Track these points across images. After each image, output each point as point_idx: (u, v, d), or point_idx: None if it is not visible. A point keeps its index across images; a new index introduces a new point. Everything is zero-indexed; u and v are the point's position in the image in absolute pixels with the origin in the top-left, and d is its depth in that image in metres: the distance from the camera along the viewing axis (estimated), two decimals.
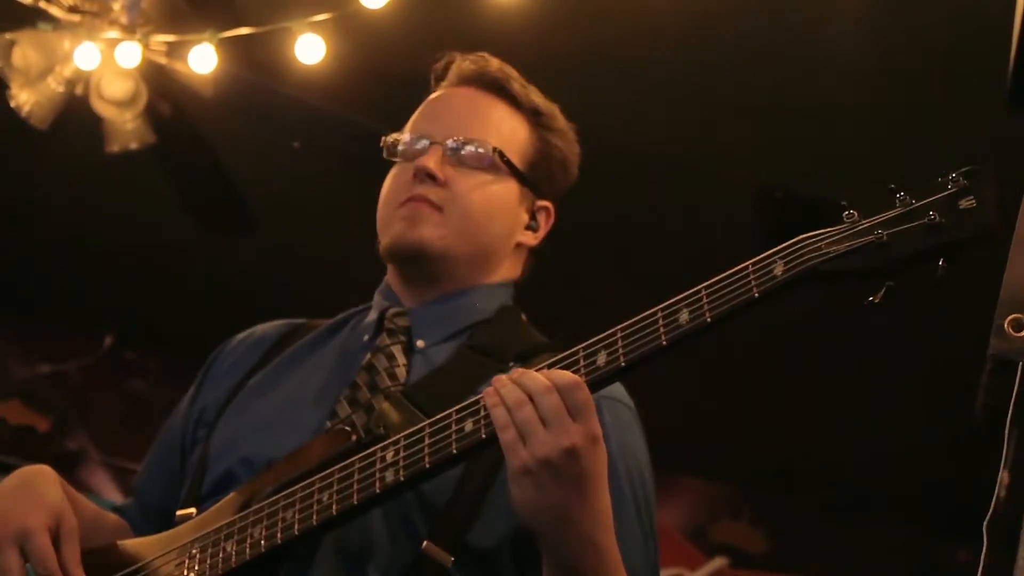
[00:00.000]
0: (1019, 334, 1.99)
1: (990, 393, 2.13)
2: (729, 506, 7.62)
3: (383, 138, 2.50)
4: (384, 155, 2.49)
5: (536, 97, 2.51)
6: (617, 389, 2.31)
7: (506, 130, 2.46)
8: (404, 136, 2.48)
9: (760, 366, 6.54)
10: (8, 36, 4.67)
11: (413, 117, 2.53)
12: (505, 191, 2.44)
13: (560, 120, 2.53)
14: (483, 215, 2.41)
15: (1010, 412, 2.05)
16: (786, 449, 7.08)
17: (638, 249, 5.74)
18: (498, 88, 2.49)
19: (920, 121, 4.86)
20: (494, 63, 2.52)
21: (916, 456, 6.86)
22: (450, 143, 2.41)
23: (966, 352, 2.16)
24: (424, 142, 2.43)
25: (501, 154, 2.42)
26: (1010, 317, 1.99)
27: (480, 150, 2.41)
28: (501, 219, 2.44)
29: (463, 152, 2.41)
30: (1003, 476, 1.99)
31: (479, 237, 2.41)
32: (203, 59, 4.77)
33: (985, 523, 2.04)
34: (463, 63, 2.53)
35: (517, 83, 2.50)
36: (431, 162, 2.38)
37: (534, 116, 2.50)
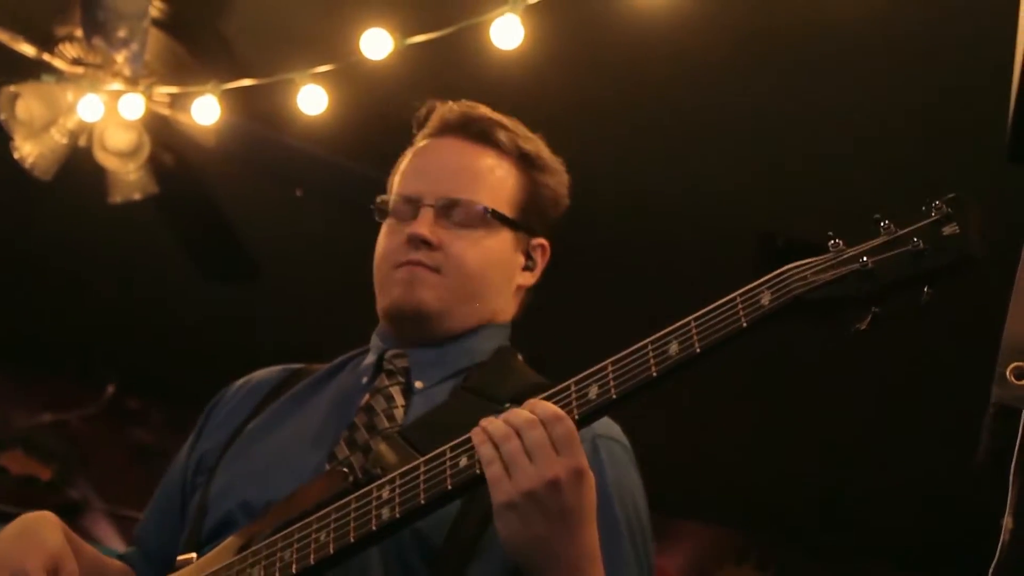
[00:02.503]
0: (1021, 382, 2.00)
1: (993, 439, 2.14)
2: (733, 551, 7.60)
3: (376, 200, 2.51)
4: (376, 218, 2.50)
5: (522, 140, 2.50)
6: (612, 428, 2.32)
7: (495, 181, 2.46)
8: (393, 196, 2.48)
9: (766, 411, 6.55)
10: (12, 88, 4.69)
11: (401, 170, 2.53)
12: (499, 244, 2.45)
13: (546, 157, 2.53)
14: (480, 272, 2.42)
15: (1014, 459, 2.06)
16: (790, 494, 7.08)
17: (634, 290, 5.76)
18: (484, 137, 2.48)
19: (918, 170, 4.89)
20: (478, 110, 2.52)
21: (922, 502, 6.85)
22: (441, 204, 2.41)
23: (972, 400, 2.16)
24: (415, 203, 2.43)
25: (491, 211, 2.42)
26: (1012, 365, 2.00)
27: (471, 210, 2.41)
28: (497, 272, 2.45)
29: (453, 212, 2.41)
30: (1007, 522, 2.00)
31: (477, 294, 2.42)
32: (206, 110, 4.80)
33: (991, 570, 2.04)
34: (446, 112, 2.53)
35: (502, 129, 2.49)
36: (423, 228, 2.39)
37: (522, 160, 2.49)
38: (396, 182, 2.52)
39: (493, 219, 2.42)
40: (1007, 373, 2.01)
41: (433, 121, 2.54)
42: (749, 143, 5.18)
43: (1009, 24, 2.07)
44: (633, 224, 5.61)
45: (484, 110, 2.52)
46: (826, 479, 6.95)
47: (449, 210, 2.41)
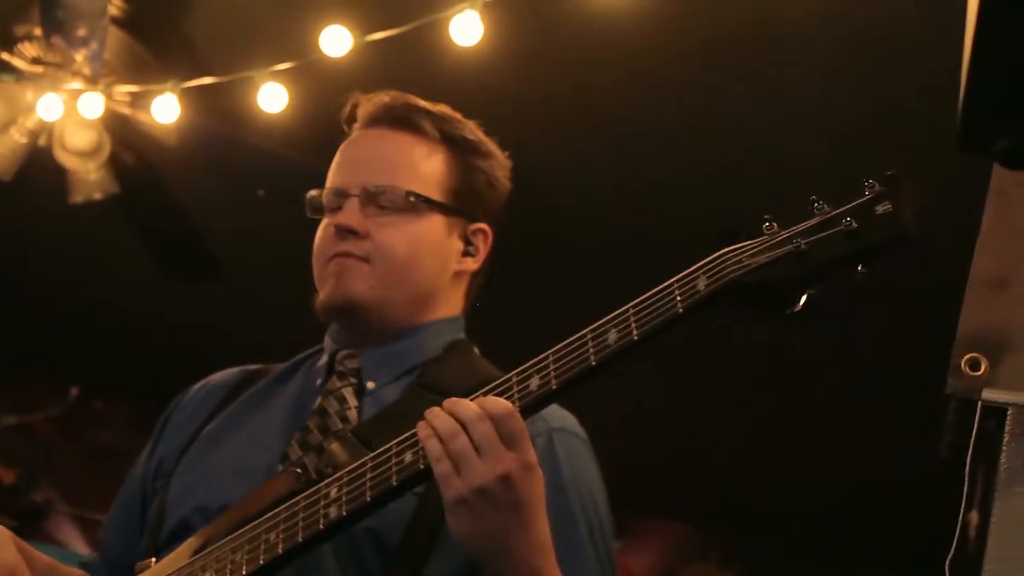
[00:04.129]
0: (975, 373, 2.02)
1: (954, 432, 2.15)
2: (698, 549, 7.61)
3: (307, 196, 2.50)
4: (308, 214, 2.50)
5: (448, 125, 2.49)
6: (568, 420, 2.33)
7: (419, 166, 2.44)
8: (325, 190, 2.48)
9: (729, 406, 6.56)
10: None
11: (331, 167, 2.52)
12: (429, 228, 2.43)
13: (475, 140, 2.51)
14: (409, 258, 2.40)
15: (970, 451, 2.07)
16: (754, 491, 7.10)
17: (593, 285, 5.77)
18: (406, 123, 2.46)
19: (872, 162, 4.90)
20: (400, 98, 2.50)
21: (883, 497, 6.88)
22: (365, 193, 2.40)
23: (935, 392, 2.18)
24: (341, 194, 2.43)
25: (415, 194, 2.41)
26: (966, 356, 2.02)
27: (395, 195, 2.40)
28: (430, 257, 2.43)
29: (379, 199, 2.40)
30: (972, 516, 2.01)
31: (410, 280, 2.41)
32: (166, 109, 4.79)
33: (948, 561, 2.06)
34: (367, 104, 2.52)
35: (424, 114, 2.48)
36: (349, 218, 2.39)
37: (449, 142, 2.48)
38: (328, 178, 2.52)
39: (419, 202, 2.40)
40: (962, 364, 2.03)
41: (359, 114, 2.53)
42: (708, 138, 5.19)
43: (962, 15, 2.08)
44: (591, 219, 5.62)
45: (408, 98, 2.51)
46: (791, 475, 6.97)
47: (374, 197, 2.40)
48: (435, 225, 2.43)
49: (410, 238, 2.40)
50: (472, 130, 2.52)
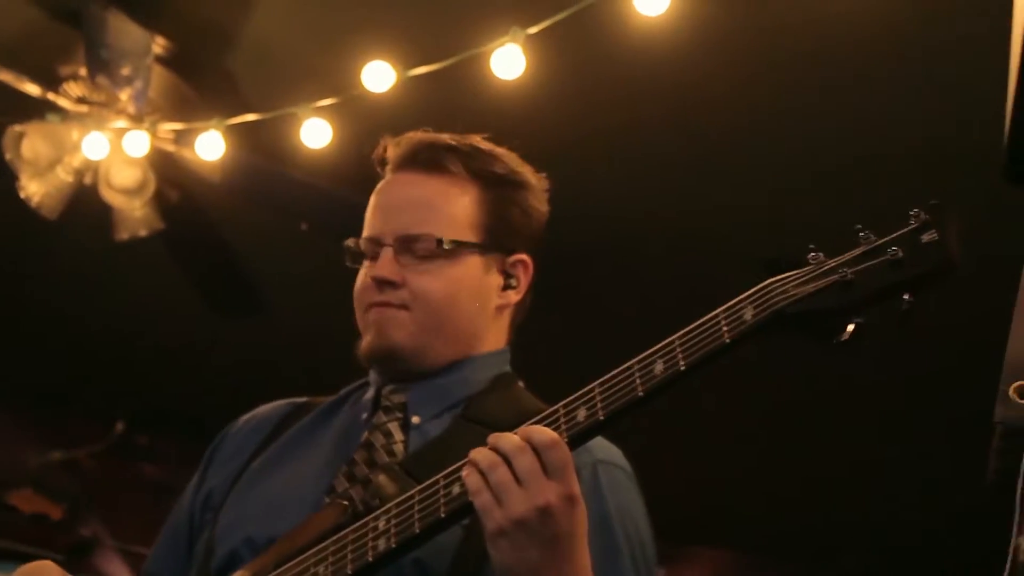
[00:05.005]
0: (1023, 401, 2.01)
1: (1000, 459, 2.14)
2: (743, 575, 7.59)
3: (346, 244, 2.50)
4: (348, 263, 2.50)
5: (475, 161, 2.46)
6: (613, 452, 2.32)
7: (451, 207, 2.42)
8: (362, 239, 2.47)
9: (773, 436, 6.54)
10: (17, 128, 4.72)
11: (367, 212, 2.51)
12: (466, 270, 2.42)
13: (506, 172, 2.48)
14: (447, 303, 2.39)
15: (1021, 478, 2.06)
16: (798, 517, 7.07)
17: (636, 319, 5.77)
18: (433, 165, 2.44)
19: (917, 192, 4.89)
20: (426, 139, 2.49)
21: (929, 523, 6.84)
22: (398, 241, 2.40)
23: (982, 419, 2.17)
24: (376, 243, 2.43)
25: (450, 241, 2.39)
26: (1015, 384, 2.01)
27: (427, 242, 2.39)
28: (468, 298, 2.42)
29: (413, 247, 2.39)
30: (1020, 541, 2.00)
31: (450, 324, 2.40)
32: (210, 146, 4.82)
33: None
34: (396, 147, 2.51)
35: (451, 152, 2.45)
36: (384, 269, 2.38)
37: (479, 179, 2.45)
38: (365, 224, 2.51)
39: (453, 246, 2.40)
40: (1010, 392, 2.01)
41: (388, 157, 2.52)
42: (750, 171, 5.20)
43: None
44: (633, 253, 5.62)
45: (435, 138, 2.49)
46: (838, 504, 6.94)
47: (408, 245, 2.39)
48: (471, 266, 2.42)
49: (447, 283, 2.39)
50: (503, 162, 2.49)
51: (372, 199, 2.51)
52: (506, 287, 2.47)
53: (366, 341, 2.41)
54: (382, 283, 2.38)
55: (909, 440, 6.39)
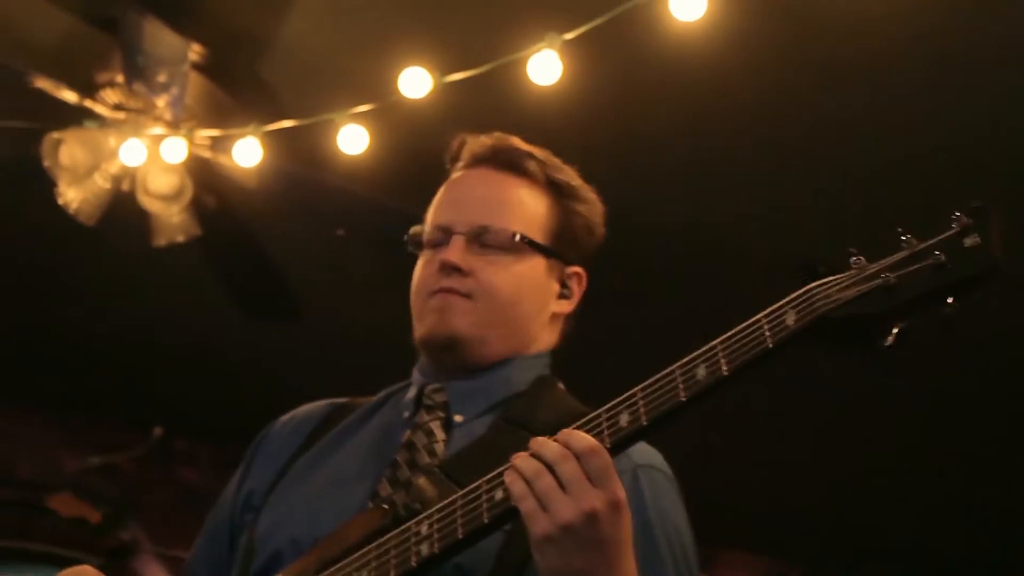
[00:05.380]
0: None
1: None
2: None
3: (410, 232, 2.53)
4: (409, 249, 2.52)
5: (551, 169, 2.52)
6: (654, 457, 2.32)
7: (524, 208, 2.47)
8: (428, 227, 2.50)
9: (810, 439, 6.52)
10: (55, 135, 4.74)
11: (434, 204, 2.55)
12: (531, 270, 2.45)
13: (577, 185, 2.54)
14: (512, 298, 2.43)
15: None
16: (836, 522, 7.04)
17: (675, 321, 5.76)
18: (513, 166, 2.50)
19: (953, 196, 4.87)
20: (507, 141, 2.54)
21: (972, 529, 6.81)
22: (471, 231, 2.43)
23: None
24: (446, 231, 2.45)
25: (523, 236, 2.44)
26: None
27: (501, 235, 2.43)
28: (530, 298, 2.46)
29: (484, 239, 2.43)
30: None
31: (510, 319, 2.43)
32: (247, 152, 4.82)
33: None
34: (476, 144, 2.55)
35: (531, 158, 2.51)
36: (454, 255, 2.41)
37: (552, 188, 2.51)
38: (430, 214, 2.54)
39: (523, 244, 2.43)
40: None
41: (464, 154, 2.56)
42: (790, 173, 5.18)
43: None
44: (671, 257, 5.61)
45: (514, 141, 2.55)
46: (875, 507, 6.91)
47: (480, 237, 2.43)
48: (536, 267, 2.46)
49: (513, 278, 2.42)
50: (573, 175, 2.55)
51: (443, 192, 2.55)
52: (561, 296, 2.51)
53: (425, 327, 2.43)
54: (451, 269, 2.40)
55: (954, 449, 6.36)
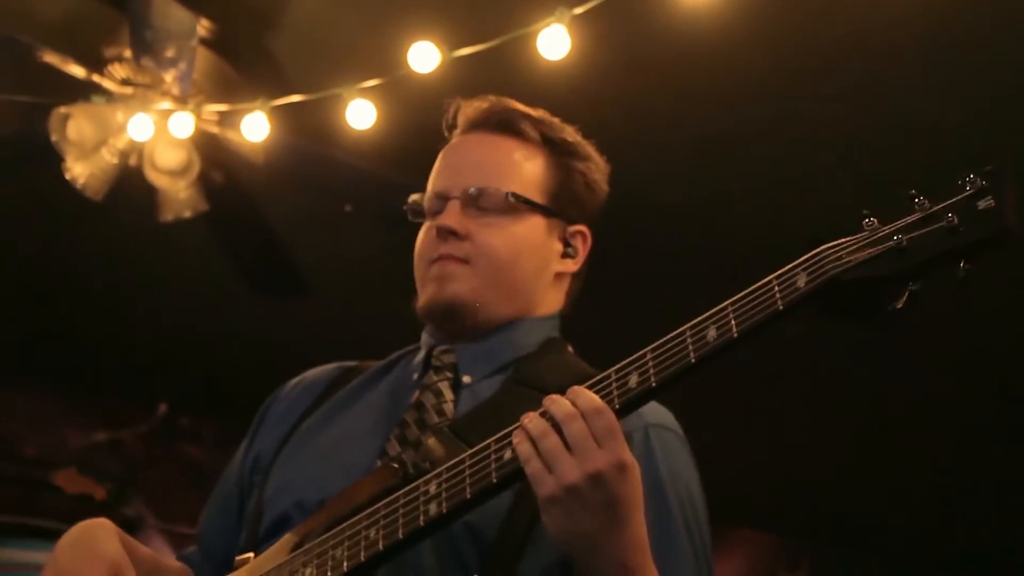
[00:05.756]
0: None
1: None
2: (786, 559, 7.57)
3: (409, 201, 2.54)
4: (410, 218, 2.53)
5: (547, 128, 2.52)
6: (665, 416, 2.32)
7: (519, 168, 2.47)
8: (426, 195, 2.51)
9: (819, 419, 6.52)
10: (63, 110, 4.73)
11: (432, 172, 2.55)
12: (530, 229, 2.45)
13: (575, 142, 2.54)
14: (511, 259, 2.42)
15: None
16: (844, 502, 7.05)
17: (682, 293, 5.77)
18: (506, 126, 2.50)
19: (951, 168, 4.88)
20: (499, 103, 2.54)
21: (978, 511, 6.81)
22: (466, 195, 2.43)
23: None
24: (443, 197, 2.46)
25: (516, 195, 2.43)
26: None
27: (495, 196, 2.42)
28: (530, 258, 2.46)
29: (480, 201, 2.43)
30: None
31: (511, 280, 2.43)
32: (255, 127, 4.82)
33: None
34: (468, 109, 2.56)
35: (524, 118, 2.51)
36: (450, 219, 2.41)
37: (549, 145, 2.50)
38: (429, 183, 2.55)
39: (519, 204, 2.43)
40: None
41: (459, 119, 2.57)
42: (799, 149, 5.17)
43: None
44: (681, 231, 5.60)
45: (509, 103, 2.55)
46: (880, 487, 6.91)
47: (475, 200, 2.43)
48: (535, 226, 2.46)
49: (510, 239, 2.42)
50: (571, 133, 2.54)
51: (440, 158, 2.56)
52: (565, 255, 2.51)
53: (426, 295, 2.43)
54: (446, 233, 2.41)
55: (959, 423, 6.36)
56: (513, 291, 2.43)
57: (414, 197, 2.53)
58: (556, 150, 2.51)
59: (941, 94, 4.83)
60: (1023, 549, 6.98)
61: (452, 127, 2.58)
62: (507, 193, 2.42)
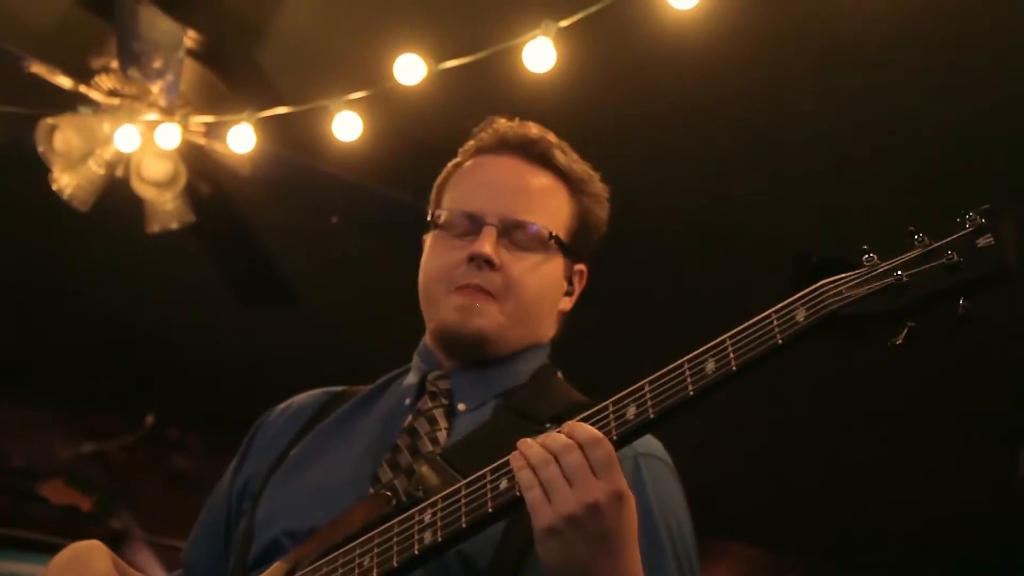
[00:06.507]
0: None
1: None
2: (776, 572, 7.57)
3: (431, 213, 2.49)
4: (431, 229, 2.48)
5: (575, 163, 2.50)
6: (654, 446, 2.31)
7: (553, 205, 2.45)
8: (451, 210, 2.46)
9: (806, 430, 6.52)
10: (50, 120, 4.72)
11: (456, 186, 2.50)
12: (554, 269, 2.44)
13: (596, 184, 2.52)
14: (536, 298, 2.41)
15: None
16: (834, 513, 7.05)
17: (672, 305, 5.77)
18: (544, 159, 2.47)
19: (956, 182, 4.89)
20: (535, 129, 2.51)
21: (965, 521, 6.82)
22: (504, 224, 2.40)
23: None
24: (475, 220, 2.41)
25: (555, 236, 2.41)
26: None
27: (535, 233, 2.40)
28: (549, 297, 2.45)
29: (516, 235, 2.40)
30: None
31: (531, 318, 2.42)
32: (242, 139, 4.81)
33: None
34: (505, 129, 2.51)
35: (559, 151, 2.48)
36: (488, 247, 2.37)
37: (575, 184, 2.49)
38: (449, 196, 2.50)
39: (553, 244, 2.42)
40: None
41: (490, 137, 2.51)
42: (783, 159, 5.18)
43: None
44: (667, 242, 5.61)
45: (540, 130, 2.51)
46: (868, 500, 6.92)
47: (511, 231, 2.40)
48: (557, 266, 2.45)
49: (539, 278, 2.41)
50: (587, 167, 2.52)
51: (470, 173, 2.51)
52: (566, 293, 2.51)
53: (445, 323, 2.40)
54: (483, 262, 2.37)
55: (948, 436, 6.36)
56: (530, 327, 2.43)
57: (440, 212, 2.47)
58: (580, 190, 2.49)
59: (933, 95, 4.83)
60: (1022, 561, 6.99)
61: (481, 143, 2.52)
62: (548, 232, 2.41)
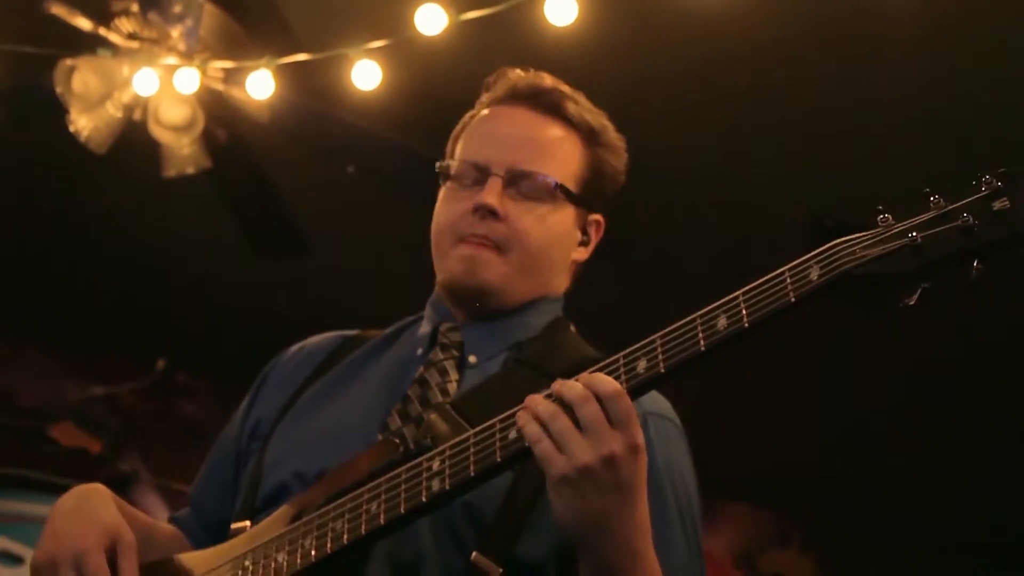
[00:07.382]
0: None
1: None
2: (778, 534, 7.58)
3: (438, 164, 2.49)
4: (441, 181, 2.48)
5: (588, 113, 2.49)
6: (663, 404, 2.32)
7: (563, 156, 2.44)
8: (460, 160, 2.46)
9: (810, 392, 6.52)
10: (68, 62, 4.71)
11: (466, 137, 2.51)
12: (562, 219, 2.43)
13: (611, 133, 2.52)
14: (542, 249, 2.41)
15: None
16: (835, 476, 7.05)
17: (691, 261, 5.76)
18: (554, 109, 2.46)
19: (975, 149, 4.87)
20: (547, 80, 2.50)
21: (967, 485, 6.82)
22: (510, 175, 2.39)
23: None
24: (482, 170, 2.41)
25: (561, 186, 2.41)
26: None
27: (541, 183, 2.40)
28: (557, 247, 2.45)
29: (522, 184, 2.40)
30: None
31: (538, 269, 2.42)
32: (260, 85, 4.80)
33: None
34: (516, 79, 2.51)
35: (571, 101, 2.48)
36: (492, 198, 2.37)
37: (588, 135, 2.48)
38: (460, 146, 2.50)
39: (560, 194, 2.41)
40: None
41: (501, 88, 2.51)
42: (809, 116, 5.15)
43: None
44: (691, 201, 5.60)
45: (552, 80, 2.50)
46: (872, 462, 6.91)
47: (518, 181, 2.39)
48: (567, 216, 2.44)
49: (546, 228, 2.40)
50: (607, 122, 2.52)
51: (479, 125, 2.51)
52: (581, 243, 2.50)
53: (451, 274, 2.41)
54: (487, 212, 2.37)
55: (946, 399, 6.36)
56: (537, 278, 2.42)
57: (442, 163, 2.48)
58: (593, 139, 2.48)
59: (952, 62, 4.81)
60: (1020, 527, 6.99)
61: (492, 94, 2.52)
62: (554, 182, 2.40)
